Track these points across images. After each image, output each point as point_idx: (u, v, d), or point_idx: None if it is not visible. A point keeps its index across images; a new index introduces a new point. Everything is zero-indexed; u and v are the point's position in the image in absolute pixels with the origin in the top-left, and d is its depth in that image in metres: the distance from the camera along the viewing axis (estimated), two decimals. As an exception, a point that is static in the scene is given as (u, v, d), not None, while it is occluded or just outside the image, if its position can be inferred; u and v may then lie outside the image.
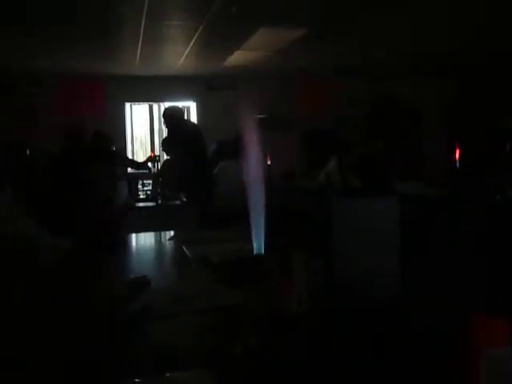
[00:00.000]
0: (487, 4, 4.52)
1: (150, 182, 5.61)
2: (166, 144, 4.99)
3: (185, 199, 4.77)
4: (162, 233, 2.69)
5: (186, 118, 5.78)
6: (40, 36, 5.09)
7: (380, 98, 6.94)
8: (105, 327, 1.16)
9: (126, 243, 2.29)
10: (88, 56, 6.02)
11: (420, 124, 7.08)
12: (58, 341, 1.12)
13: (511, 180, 3.71)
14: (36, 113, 6.77)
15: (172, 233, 2.63)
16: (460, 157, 4.32)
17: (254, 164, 0.96)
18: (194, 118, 7.86)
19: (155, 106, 8.07)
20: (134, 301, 1.30)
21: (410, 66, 7.18)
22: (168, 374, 0.89)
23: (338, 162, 3.25)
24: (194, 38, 5.37)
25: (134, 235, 2.69)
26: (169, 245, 2.43)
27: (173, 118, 4.69)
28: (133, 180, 5.45)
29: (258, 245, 0.96)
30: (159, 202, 4.93)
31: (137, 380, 0.88)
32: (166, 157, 5.62)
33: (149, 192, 5.46)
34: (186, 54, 6.10)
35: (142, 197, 5.41)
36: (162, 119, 4.88)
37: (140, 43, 5.48)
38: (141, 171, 5.75)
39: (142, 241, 2.63)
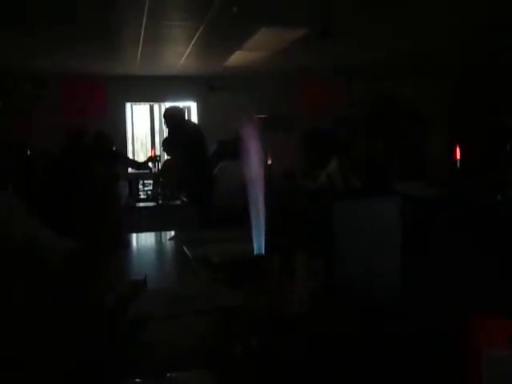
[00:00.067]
0: (487, 4, 4.53)
1: (151, 182, 5.61)
2: (166, 144, 4.99)
3: (185, 199, 4.77)
4: (163, 233, 2.69)
5: (186, 118, 5.78)
6: (40, 36, 5.10)
7: (380, 97, 6.94)
8: (105, 327, 1.16)
9: (127, 243, 2.29)
10: (88, 56, 6.02)
11: (420, 124, 7.08)
12: (59, 341, 1.12)
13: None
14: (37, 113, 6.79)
15: (172, 233, 2.63)
16: (460, 157, 4.31)
17: (255, 164, 0.96)
18: (194, 118, 7.86)
19: (156, 106, 8.08)
20: (134, 301, 1.30)
21: (410, 66, 7.18)
22: (168, 375, 0.90)
23: (339, 162, 3.25)
24: (195, 38, 5.37)
25: (134, 235, 2.70)
26: (169, 245, 2.43)
27: (173, 118, 4.70)
28: (133, 180, 5.45)
29: (259, 245, 0.96)
30: (160, 202, 4.93)
31: (137, 380, 0.88)
32: (166, 157, 5.62)
33: (149, 192, 5.46)
34: (186, 54, 6.11)
35: (142, 197, 5.42)
36: (163, 119, 4.88)
37: (141, 43, 5.48)
38: (141, 171, 5.76)
39: (142, 241, 2.63)
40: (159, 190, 5.11)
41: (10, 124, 6.41)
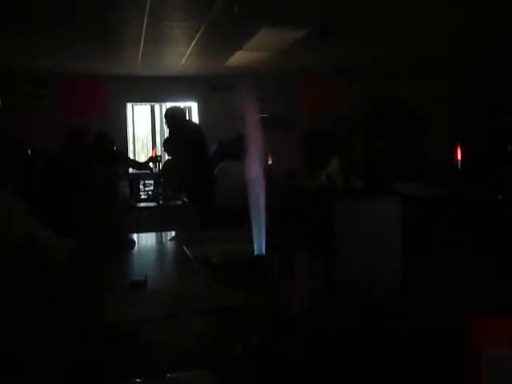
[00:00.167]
0: (487, 4, 4.52)
1: (152, 182, 5.61)
2: (167, 144, 4.99)
3: (186, 199, 4.77)
4: (164, 233, 2.69)
5: (187, 118, 5.78)
6: (40, 36, 5.09)
7: (380, 97, 6.93)
8: (105, 327, 1.16)
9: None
10: (89, 56, 6.02)
11: (420, 124, 7.08)
12: (59, 341, 1.12)
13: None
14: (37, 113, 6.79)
15: (173, 233, 2.63)
16: (461, 157, 4.31)
17: (256, 164, 0.96)
18: (195, 119, 7.86)
19: (157, 107, 8.08)
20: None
21: (410, 66, 7.18)
22: (168, 375, 0.90)
23: (339, 162, 3.25)
24: (196, 39, 5.37)
25: (135, 235, 2.70)
26: (170, 245, 2.43)
27: (174, 119, 4.70)
28: (134, 180, 5.46)
29: (259, 245, 0.96)
30: (160, 202, 4.93)
31: (137, 380, 0.89)
32: (167, 157, 5.62)
33: (150, 192, 5.46)
34: (187, 54, 6.11)
35: (143, 197, 5.42)
36: (164, 119, 4.88)
37: (142, 43, 5.48)
38: (142, 171, 5.75)
39: (143, 241, 2.63)
40: (160, 190, 5.11)
41: (10, 124, 6.41)
